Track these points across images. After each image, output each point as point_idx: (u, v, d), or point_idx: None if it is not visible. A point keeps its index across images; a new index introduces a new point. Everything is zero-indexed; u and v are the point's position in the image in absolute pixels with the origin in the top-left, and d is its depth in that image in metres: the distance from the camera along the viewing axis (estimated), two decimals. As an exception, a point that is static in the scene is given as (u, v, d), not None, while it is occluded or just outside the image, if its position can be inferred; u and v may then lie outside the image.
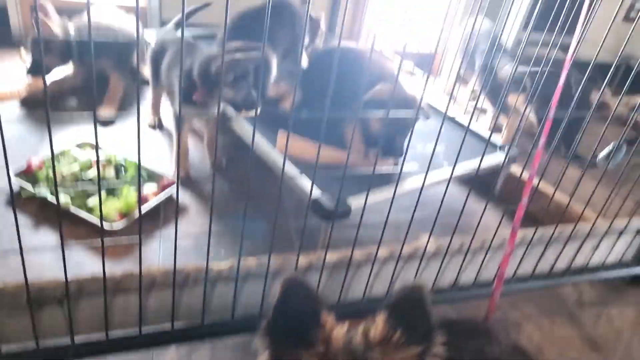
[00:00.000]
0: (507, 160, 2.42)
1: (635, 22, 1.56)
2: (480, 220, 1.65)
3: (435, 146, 1.44)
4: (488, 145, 2.41)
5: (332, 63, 2.38)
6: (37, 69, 2.47)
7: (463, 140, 1.48)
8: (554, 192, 1.80)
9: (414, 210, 1.52)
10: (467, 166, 2.21)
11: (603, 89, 1.75)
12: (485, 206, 1.64)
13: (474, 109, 1.71)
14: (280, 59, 2.62)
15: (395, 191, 1.64)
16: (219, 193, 2.23)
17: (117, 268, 1.44)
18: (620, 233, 1.98)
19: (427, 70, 3.50)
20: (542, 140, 1.48)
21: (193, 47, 2.21)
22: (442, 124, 1.46)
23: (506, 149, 2.48)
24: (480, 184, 2.55)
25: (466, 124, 1.57)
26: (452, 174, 1.56)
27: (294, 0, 2.75)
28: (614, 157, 2.19)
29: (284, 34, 2.68)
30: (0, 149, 0.95)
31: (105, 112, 2.58)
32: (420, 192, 1.55)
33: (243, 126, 2.30)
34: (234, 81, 2.01)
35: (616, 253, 2.08)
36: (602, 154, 2.30)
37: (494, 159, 2.45)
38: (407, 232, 1.55)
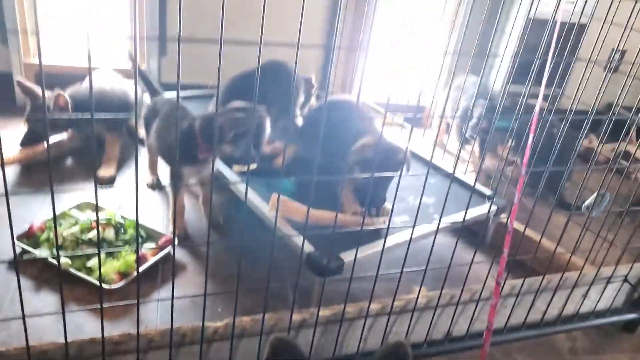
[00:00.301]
0: (497, 210, 2.49)
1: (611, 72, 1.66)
2: (468, 272, 1.71)
3: (421, 198, 1.51)
4: (478, 196, 2.54)
5: (323, 121, 2.50)
6: (29, 141, 2.59)
7: (447, 192, 1.54)
8: (539, 240, 1.86)
9: (403, 264, 1.57)
10: (457, 217, 2.27)
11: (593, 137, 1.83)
12: (473, 257, 1.69)
13: (456, 160, 1.79)
14: (274, 118, 2.74)
15: (384, 245, 1.71)
16: (216, 251, 2.28)
17: (115, 329, 1.48)
18: (608, 280, 2.02)
19: (414, 123, 3.62)
20: (518, 193, 1.55)
21: (182, 109, 2.33)
22: (426, 177, 1.53)
23: (495, 199, 2.55)
24: (472, 234, 2.63)
25: (461, 177, 1.66)
26: (439, 225, 1.62)
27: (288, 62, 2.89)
28: (598, 205, 2.27)
29: (278, 93, 2.81)
30: (5, 215, 1.02)
31: (105, 172, 2.66)
32: (409, 245, 1.61)
33: (239, 185, 2.38)
34: (234, 138, 2.11)
35: (606, 300, 2.12)
36: (587, 202, 2.37)
37: (484, 209, 2.52)
38: (397, 286, 1.59)
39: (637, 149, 2.33)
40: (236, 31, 0.99)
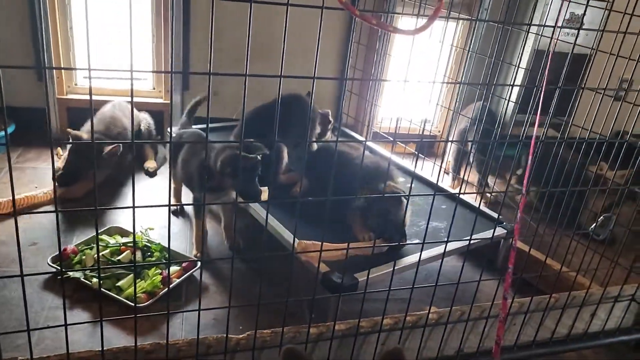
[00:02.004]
0: (506, 233, 2.58)
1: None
2: (477, 289, 1.79)
3: (427, 223, 1.61)
4: (487, 220, 2.62)
5: (327, 160, 2.63)
6: (67, 181, 2.74)
7: (453, 216, 1.64)
8: (545, 260, 1.95)
9: (414, 281, 1.67)
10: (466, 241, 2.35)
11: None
12: (481, 275, 1.78)
13: (458, 182, 1.90)
14: (292, 149, 2.88)
15: (394, 267, 1.81)
16: (236, 273, 2.39)
17: (144, 342, 1.58)
18: (616, 299, 2.08)
19: (427, 151, 3.73)
20: (520, 212, 1.64)
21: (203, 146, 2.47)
22: (433, 200, 1.64)
23: (505, 223, 2.64)
24: (483, 257, 2.70)
25: (475, 204, 1.75)
26: (445, 246, 1.72)
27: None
28: (605, 227, 2.35)
29: (296, 125, 2.96)
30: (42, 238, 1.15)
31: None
32: (417, 268, 1.72)
33: (258, 210, 2.51)
34: (238, 174, 2.22)
35: (615, 319, 2.17)
36: (595, 225, 2.45)
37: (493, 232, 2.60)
38: (408, 302, 1.69)
39: None
40: (252, 65, 1.13)
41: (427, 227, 1.65)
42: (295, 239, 2.10)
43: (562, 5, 1.72)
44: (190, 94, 3.56)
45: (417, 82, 2.03)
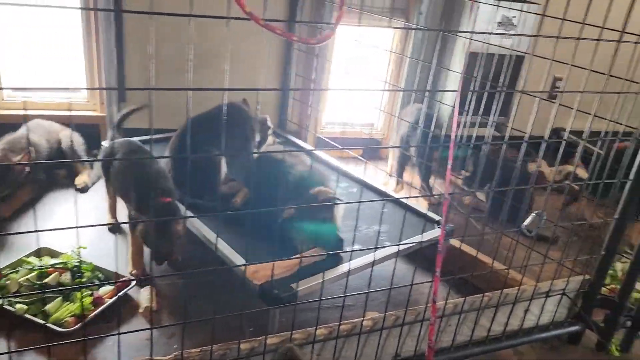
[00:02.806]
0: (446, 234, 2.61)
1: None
2: (410, 293, 1.80)
3: (350, 229, 1.61)
4: (427, 222, 2.65)
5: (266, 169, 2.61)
6: None
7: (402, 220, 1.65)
8: (476, 257, 1.98)
9: (345, 289, 1.66)
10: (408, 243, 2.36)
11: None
12: (412, 278, 1.79)
13: (402, 186, 1.91)
14: (232, 158, 2.84)
15: (323, 276, 1.80)
16: (174, 289, 2.33)
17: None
18: (547, 294, 2.14)
19: (371, 155, 3.76)
20: (444, 214, 1.66)
21: (141, 154, 2.41)
22: (384, 205, 1.64)
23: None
24: (426, 258, 2.73)
25: (418, 207, 1.76)
26: (375, 250, 1.72)
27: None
28: (535, 224, 2.41)
29: (234, 134, 2.92)
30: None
31: (79, 180, 3.04)
32: (348, 273, 1.71)
33: (196, 222, 2.45)
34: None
35: (549, 314, 2.23)
36: (526, 222, 2.51)
37: (433, 234, 2.63)
38: (341, 310, 1.68)
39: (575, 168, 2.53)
40: (192, 74, 1.11)
41: (354, 232, 1.64)
42: (242, 261, 2.09)
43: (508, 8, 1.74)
44: (128, 106, 3.46)
45: (357, 88, 2.03)
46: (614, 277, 2.68)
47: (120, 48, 3.20)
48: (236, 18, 1.17)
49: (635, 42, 1.86)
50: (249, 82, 3.31)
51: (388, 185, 3.38)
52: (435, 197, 3.21)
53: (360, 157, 3.47)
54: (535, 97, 2.13)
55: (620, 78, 1.91)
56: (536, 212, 2.46)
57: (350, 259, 1.74)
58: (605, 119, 1.97)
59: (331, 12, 3.39)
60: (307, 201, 2.18)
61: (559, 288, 2.17)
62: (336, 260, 2.23)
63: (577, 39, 1.84)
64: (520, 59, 3.58)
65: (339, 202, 2.26)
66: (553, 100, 2.11)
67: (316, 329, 1.70)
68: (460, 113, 2.93)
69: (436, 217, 2.73)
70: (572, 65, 2.01)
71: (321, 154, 3.36)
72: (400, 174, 3.26)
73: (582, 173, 3.79)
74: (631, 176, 2.03)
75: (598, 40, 1.84)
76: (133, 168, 2.38)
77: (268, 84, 3.47)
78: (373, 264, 1.78)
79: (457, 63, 3.61)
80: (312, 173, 2.42)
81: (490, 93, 3.03)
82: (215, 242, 2.20)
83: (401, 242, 1.81)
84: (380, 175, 3.45)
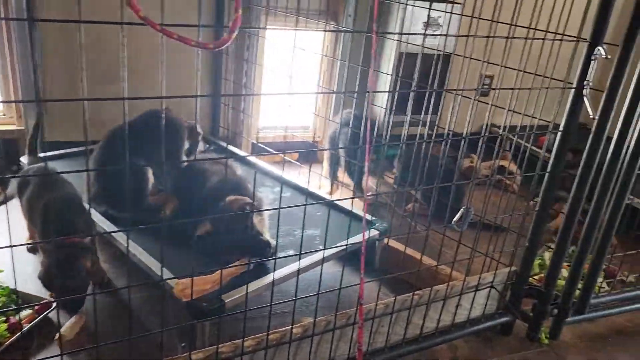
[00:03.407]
0: (379, 234, 2.62)
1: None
2: (339, 296, 1.78)
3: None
4: (360, 223, 2.65)
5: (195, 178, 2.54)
6: None
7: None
8: (404, 253, 1.99)
9: (271, 300, 1.62)
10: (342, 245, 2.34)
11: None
12: (341, 281, 1.78)
13: (336, 188, 1.89)
14: (159, 168, 2.75)
15: (247, 287, 1.75)
16: (100, 307, 2.22)
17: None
18: (476, 288, 2.18)
19: (308, 159, 3.74)
20: (365, 214, 1.66)
21: (53, 181, 2.22)
22: (305, 207, 1.61)
23: (378, 224, 2.69)
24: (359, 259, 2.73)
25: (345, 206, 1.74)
26: (299, 255, 1.69)
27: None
28: (464, 219, 2.45)
29: (161, 143, 2.82)
30: None
31: None
32: (273, 285, 1.67)
33: (124, 240, 2.35)
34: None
35: (480, 307, 2.27)
36: (456, 218, 2.55)
37: (368, 234, 2.64)
38: (269, 320, 1.64)
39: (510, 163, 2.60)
40: (114, 84, 1.06)
41: (275, 237, 1.60)
42: (169, 276, 2.00)
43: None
44: (49, 117, 3.30)
45: (286, 92, 1.98)
46: (543, 267, 2.77)
47: (35, 58, 3.04)
48: (130, 23, 1.12)
49: (543, 39, 1.92)
50: (178, 89, 3.21)
51: (323, 188, 3.37)
52: (366, 197, 3.22)
53: (294, 161, 3.45)
54: (458, 94, 2.18)
55: (532, 73, 1.97)
56: (464, 207, 2.51)
57: (274, 267, 1.70)
58: (520, 113, 2.02)
59: (259, 16, 3.35)
60: (221, 212, 2.12)
61: (488, 281, 2.22)
62: (265, 268, 2.19)
63: (490, 37, 1.89)
64: (448, 58, 3.67)
65: (257, 209, 2.21)
66: (483, 101, 2.16)
67: (243, 341, 1.65)
68: (392, 113, 2.99)
69: (370, 218, 2.73)
70: (488, 62, 2.07)
71: (256, 159, 3.31)
72: (333, 176, 3.25)
73: (513, 167, 3.93)
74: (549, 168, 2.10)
75: (507, 37, 1.89)
76: (41, 200, 2.15)
77: (198, 91, 3.39)
78: (298, 272, 1.75)
79: (387, 64, 3.66)
80: (228, 181, 2.36)
81: (421, 93, 3.08)
82: (142, 256, 2.12)
83: (326, 247, 1.78)
84: (317, 179, 3.44)
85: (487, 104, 2.25)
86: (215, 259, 2.11)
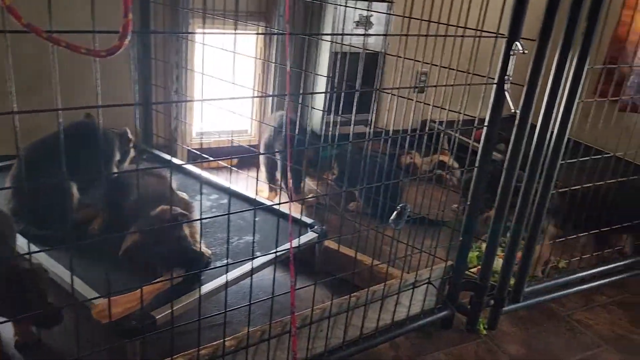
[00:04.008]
0: (318, 236, 2.60)
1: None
2: (272, 304, 1.73)
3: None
4: (300, 227, 2.62)
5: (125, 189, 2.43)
6: None
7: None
8: (338, 249, 1.96)
9: (199, 314, 1.56)
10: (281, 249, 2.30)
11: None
12: (273, 288, 1.73)
13: (275, 192, 1.84)
14: (86, 182, 2.61)
15: (169, 304, 1.68)
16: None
17: None
18: (413, 285, 2.18)
19: (247, 164, 3.67)
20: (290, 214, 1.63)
21: None
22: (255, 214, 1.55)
23: (317, 227, 2.66)
24: (303, 263, 2.70)
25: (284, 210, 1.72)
26: (225, 271, 1.64)
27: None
28: (401, 217, 2.46)
29: (87, 156, 2.69)
30: None
31: None
32: (200, 298, 1.61)
33: (42, 257, 2.22)
34: None
35: (419, 303, 2.28)
36: (392, 216, 2.56)
37: (307, 237, 2.61)
38: (198, 334, 1.58)
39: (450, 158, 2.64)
40: (35, 96, 0.98)
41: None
42: (94, 296, 1.89)
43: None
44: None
45: (218, 97, 1.91)
46: (481, 259, 2.82)
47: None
48: (14, 31, 1.04)
49: (462, 36, 1.95)
50: (106, 99, 3.08)
51: (262, 192, 3.32)
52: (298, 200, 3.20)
53: (232, 167, 3.38)
54: (389, 93, 2.19)
55: (454, 69, 1.99)
56: (400, 205, 2.53)
57: (201, 280, 1.65)
58: (445, 109, 2.04)
59: (187, 19, 3.26)
60: (148, 225, 2.03)
61: (425, 277, 2.23)
62: (201, 279, 2.12)
63: (409, 34, 1.90)
64: (382, 56, 3.70)
65: (187, 220, 2.14)
66: (415, 99, 2.18)
67: (172, 359, 1.58)
68: (328, 113, 2.97)
69: (308, 221, 2.71)
70: (417, 60, 2.08)
71: (191, 166, 3.22)
72: (271, 180, 3.21)
73: (450, 161, 3.99)
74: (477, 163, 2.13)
75: (423, 35, 1.90)
76: None
77: (128, 98, 3.26)
78: (227, 284, 1.69)
79: (323, 64, 3.64)
80: (159, 192, 2.27)
81: (357, 92, 3.07)
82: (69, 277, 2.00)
83: (255, 256, 1.74)
84: (255, 184, 3.37)
85: (420, 102, 2.27)
86: (145, 274, 2.03)
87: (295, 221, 2.69)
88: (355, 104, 2.43)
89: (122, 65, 3.28)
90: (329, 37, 3.45)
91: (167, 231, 1.97)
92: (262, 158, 3.37)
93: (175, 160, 3.37)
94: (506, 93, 1.96)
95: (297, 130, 2.81)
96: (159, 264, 2.02)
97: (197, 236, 2.19)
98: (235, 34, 3.16)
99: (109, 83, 1.14)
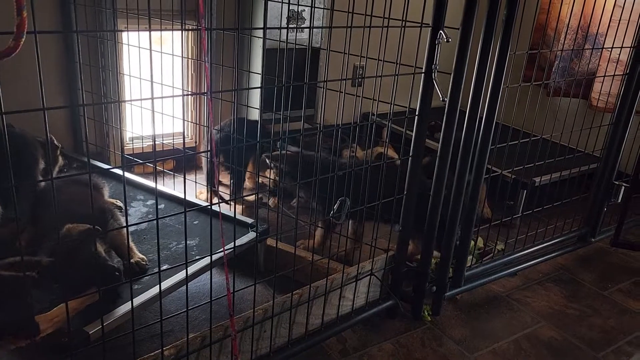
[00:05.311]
0: (258, 235, 2.55)
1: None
2: (211, 310, 1.68)
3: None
4: (241, 227, 2.57)
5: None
6: None
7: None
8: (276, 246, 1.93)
9: (132, 326, 1.49)
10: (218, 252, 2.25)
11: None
12: (211, 297, 1.69)
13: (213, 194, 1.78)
14: (8, 195, 2.46)
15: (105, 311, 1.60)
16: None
17: None
18: (356, 278, 2.19)
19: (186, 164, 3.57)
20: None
21: None
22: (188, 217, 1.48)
23: (258, 226, 2.62)
24: (247, 262, 2.65)
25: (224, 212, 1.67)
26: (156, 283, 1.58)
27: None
28: (341, 211, 2.47)
29: (9, 165, 2.53)
30: None
31: None
32: (133, 309, 1.54)
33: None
34: None
35: (363, 295, 2.29)
36: (333, 210, 2.56)
37: (249, 237, 2.56)
38: (133, 345, 1.51)
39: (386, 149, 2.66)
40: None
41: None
42: None
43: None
44: None
45: (148, 98, 1.80)
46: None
47: None
48: None
49: (387, 26, 1.95)
50: (27, 104, 2.92)
51: (201, 195, 3.24)
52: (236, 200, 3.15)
53: (167, 171, 3.29)
54: (321, 87, 2.17)
55: (390, 62, 1.99)
56: (340, 199, 2.53)
57: (129, 289, 1.57)
58: (379, 100, 2.04)
59: (112, 19, 3.13)
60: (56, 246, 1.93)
61: (367, 270, 2.24)
62: (137, 290, 2.04)
63: (334, 27, 1.89)
64: (316, 51, 3.70)
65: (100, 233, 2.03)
66: (349, 93, 2.17)
67: (106, 374, 1.50)
68: (268, 110, 2.92)
69: (249, 221, 2.66)
70: (347, 53, 2.07)
71: (127, 173, 3.09)
72: (210, 182, 3.14)
73: (392, 153, 4.04)
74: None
75: (347, 27, 1.90)
76: None
77: (53, 103, 3.10)
78: (160, 293, 1.62)
79: (257, 61, 3.59)
80: (83, 204, 2.16)
81: (295, 87, 3.05)
82: None
83: (189, 261, 1.67)
84: (194, 186, 3.29)
85: (351, 94, 2.27)
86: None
87: (232, 221, 2.64)
88: (286, 98, 2.40)
89: (49, 71, 3.13)
90: (260, 33, 3.40)
91: (76, 251, 1.86)
92: (203, 160, 3.30)
93: (105, 166, 3.23)
94: (435, 82, 1.98)
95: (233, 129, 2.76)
96: (70, 286, 1.88)
97: (127, 244, 2.11)
98: (150, 31, 3.08)
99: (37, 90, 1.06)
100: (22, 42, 0.93)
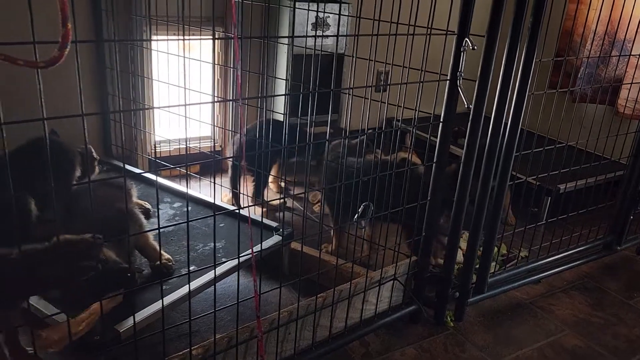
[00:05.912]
0: (282, 239, 2.59)
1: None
2: (237, 308, 1.72)
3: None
4: (265, 231, 2.61)
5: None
6: None
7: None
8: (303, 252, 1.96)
9: (162, 326, 1.54)
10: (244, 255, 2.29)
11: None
12: (238, 296, 1.73)
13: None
14: (48, 200, 2.54)
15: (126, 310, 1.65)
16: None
17: None
18: (380, 282, 2.21)
19: (213, 169, 3.64)
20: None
21: None
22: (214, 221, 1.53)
23: (282, 230, 2.66)
24: (270, 266, 2.69)
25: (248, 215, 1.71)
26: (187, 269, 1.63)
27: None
28: (364, 215, 2.49)
29: (48, 172, 2.61)
30: None
31: None
32: (162, 307, 1.59)
33: None
34: None
35: (386, 300, 2.31)
36: (357, 214, 2.58)
37: (274, 240, 2.60)
38: (163, 344, 1.56)
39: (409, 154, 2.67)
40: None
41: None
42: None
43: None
44: None
45: (180, 105, 1.85)
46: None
47: None
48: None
49: (413, 34, 1.97)
50: (63, 111, 3.00)
51: (227, 198, 3.30)
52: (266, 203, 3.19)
53: (193, 174, 3.35)
54: (347, 94, 2.20)
55: (415, 69, 2.01)
56: (364, 203, 2.55)
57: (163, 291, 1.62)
58: (401, 106, 2.06)
59: (141, 26, 3.21)
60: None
61: (390, 274, 2.26)
62: (165, 289, 2.09)
63: (359, 35, 1.92)
64: (341, 58, 3.73)
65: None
66: (374, 99, 2.20)
67: (136, 371, 1.55)
68: (295, 115, 2.96)
69: (273, 224, 2.70)
70: (374, 60, 2.10)
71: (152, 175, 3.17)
72: (234, 186, 3.19)
73: (415, 159, 4.04)
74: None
75: (372, 35, 1.92)
76: None
77: (85, 109, 3.18)
78: (189, 293, 1.67)
79: (282, 67, 3.64)
80: (110, 208, 2.21)
81: (320, 94, 3.08)
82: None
83: (217, 263, 1.72)
84: (221, 190, 3.35)
85: (376, 101, 2.29)
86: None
87: (258, 225, 2.68)
88: (313, 104, 2.43)
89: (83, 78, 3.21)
90: (285, 40, 3.45)
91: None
92: (229, 164, 3.36)
93: (134, 170, 3.32)
94: (459, 89, 2.00)
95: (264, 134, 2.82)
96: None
97: (154, 245, 2.17)
98: (184, 39, 3.15)
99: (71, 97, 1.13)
100: (66, 52, 0.99)
